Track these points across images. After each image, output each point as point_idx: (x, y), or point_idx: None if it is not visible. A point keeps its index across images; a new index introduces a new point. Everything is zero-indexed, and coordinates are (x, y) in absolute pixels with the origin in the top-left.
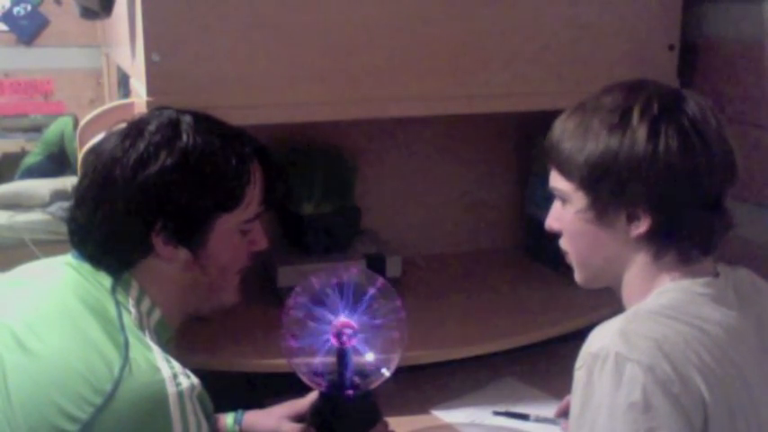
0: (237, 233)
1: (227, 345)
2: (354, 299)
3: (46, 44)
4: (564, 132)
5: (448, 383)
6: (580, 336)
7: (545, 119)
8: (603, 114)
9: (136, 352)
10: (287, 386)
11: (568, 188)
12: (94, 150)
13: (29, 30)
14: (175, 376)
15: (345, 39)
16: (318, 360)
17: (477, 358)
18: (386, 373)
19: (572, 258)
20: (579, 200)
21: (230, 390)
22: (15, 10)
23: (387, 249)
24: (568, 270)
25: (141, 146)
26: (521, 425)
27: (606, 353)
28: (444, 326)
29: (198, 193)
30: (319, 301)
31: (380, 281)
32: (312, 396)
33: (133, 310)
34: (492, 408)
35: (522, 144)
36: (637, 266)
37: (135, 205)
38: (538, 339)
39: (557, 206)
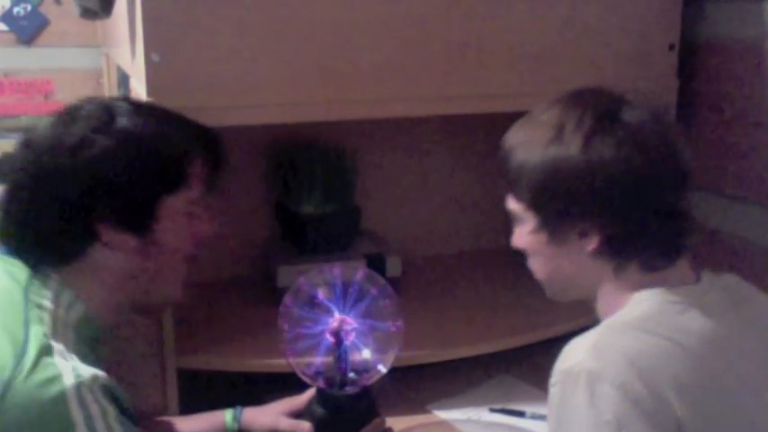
0: (184, 216)
1: (227, 345)
2: (350, 296)
3: (46, 44)
4: (511, 150)
5: (447, 382)
6: (578, 335)
7: None
8: (543, 130)
9: (34, 349)
10: (286, 384)
11: (519, 209)
12: (25, 143)
13: (29, 30)
14: (74, 368)
15: (345, 39)
16: (316, 357)
17: (477, 358)
18: (382, 369)
19: (537, 276)
20: (530, 220)
21: (230, 389)
22: (15, 10)
23: (387, 249)
24: None
25: (77, 131)
26: (517, 421)
27: (578, 371)
28: (444, 326)
29: (139, 175)
30: (315, 299)
31: (376, 278)
32: (310, 393)
33: (50, 304)
34: (489, 405)
35: None
36: (603, 280)
37: (75, 192)
38: (537, 339)
39: (517, 226)
